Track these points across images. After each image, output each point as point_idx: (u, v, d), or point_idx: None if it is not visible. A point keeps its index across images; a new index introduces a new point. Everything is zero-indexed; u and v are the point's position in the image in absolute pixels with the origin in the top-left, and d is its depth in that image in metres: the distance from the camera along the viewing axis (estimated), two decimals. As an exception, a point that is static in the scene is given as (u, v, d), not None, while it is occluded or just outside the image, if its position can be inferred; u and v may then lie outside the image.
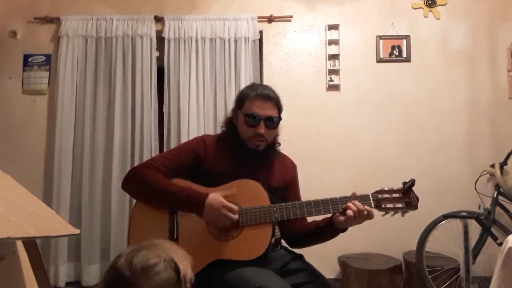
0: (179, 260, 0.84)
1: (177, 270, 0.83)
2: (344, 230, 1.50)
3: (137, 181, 1.51)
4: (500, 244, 2.31)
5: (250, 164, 1.56)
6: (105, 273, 0.88)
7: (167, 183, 1.48)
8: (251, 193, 1.48)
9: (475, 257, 2.69)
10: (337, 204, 1.45)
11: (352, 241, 3.04)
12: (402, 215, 1.49)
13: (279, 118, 1.60)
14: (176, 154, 1.60)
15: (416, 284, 2.79)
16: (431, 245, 2.77)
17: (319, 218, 1.54)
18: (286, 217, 1.45)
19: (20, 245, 0.92)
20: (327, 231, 1.52)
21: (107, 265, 3.03)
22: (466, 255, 2.17)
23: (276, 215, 1.44)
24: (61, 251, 3.02)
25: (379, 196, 1.47)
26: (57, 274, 2.99)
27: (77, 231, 0.89)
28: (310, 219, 1.58)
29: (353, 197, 1.46)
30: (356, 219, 1.41)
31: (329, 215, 1.50)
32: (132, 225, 1.50)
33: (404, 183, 1.48)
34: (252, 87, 1.65)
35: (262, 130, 1.54)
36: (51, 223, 0.88)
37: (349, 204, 1.42)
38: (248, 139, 1.56)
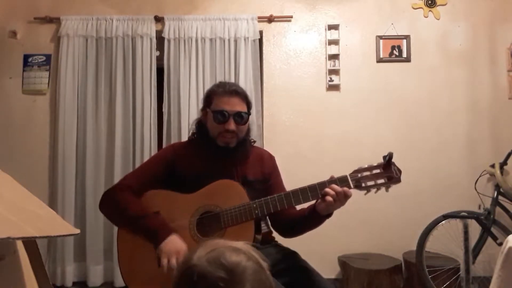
0: (252, 249, 0.82)
1: (255, 260, 0.80)
2: (329, 215, 1.47)
3: (109, 206, 1.54)
4: (500, 244, 2.31)
5: (223, 161, 1.56)
6: (186, 284, 0.77)
7: (137, 210, 1.46)
8: (229, 192, 1.47)
9: (475, 257, 2.69)
10: (316, 191, 1.43)
11: (352, 241, 3.05)
12: (387, 190, 1.46)
13: (248, 113, 1.60)
14: (147, 168, 1.62)
15: (416, 284, 2.79)
16: (431, 245, 2.77)
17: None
18: (267, 212, 1.44)
19: (20, 245, 0.92)
20: (312, 219, 1.50)
21: (111, 265, 3.05)
22: (466, 255, 2.17)
23: (257, 211, 1.43)
24: (68, 252, 3.03)
25: (359, 175, 1.44)
26: (64, 274, 3.01)
27: (77, 231, 0.89)
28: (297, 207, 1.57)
29: (331, 180, 1.43)
30: (336, 202, 1.39)
31: (313, 202, 1.48)
32: (120, 244, 1.51)
33: (384, 157, 1.44)
34: (219, 84, 1.65)
35: (232, 126, 1.53)
36: (51, 223, 0.88)
37: (327, 189, 1.40)
38: (218, 136, 1.55)
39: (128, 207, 1.47)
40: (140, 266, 1.45)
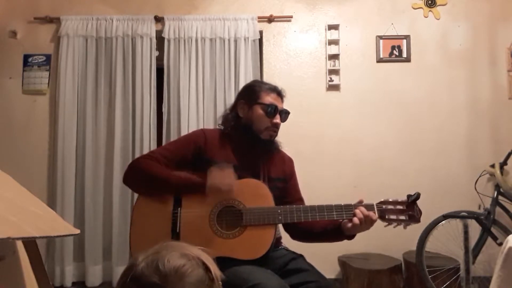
0: (205, 257, 0.79)
1: (205, 267, 0.77)
2: (351, 237, 1.53)
3: (137, 172, 1.51)
4: (500, 244, 2.31)
5: (251, 155, 1.60)
6: (123, 286, 0.76)
7: (166, 170, 1.49)
8: (256, 192, 1.50)
9: (475, 257, 2.69)
10: (341, 211, 1.47)
11: (352, 241, 3.04)
12: (404, 227, 1.50)
13: (289, 112, 1.69)
14: (175, 146, 1.63)
15: (416, 284, 2.79)
16: (431, 245, 2.77)
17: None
18: (290, 220, 1.47)
19: (20, 245, 0.92)
20: (333, 235, 1.55)
21: (110, 265, 3.05)
22: (466, 255, 2.17)
23: (280, 217, 1.46)
24: (67, 252, 3.03)
25: (384, 206, 1.49)
26: (63, 274, 3.01)
27: (77, 231, 0.89)
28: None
29: (359, 204, 1.48)
30: (362, 225, 1.44)
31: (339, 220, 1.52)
32: (135, 219, 1.49)
33: (409, 196, 1.50)
34: (260, 81, 1.77)
35: (279, 120, 1.61)
36: (51, 223, 0.88)
37: (356, 210, 1.45)
38: (264, 130, 1.60)
39: (157, 171, 1.47)
40: (152, 234, 1.44)
